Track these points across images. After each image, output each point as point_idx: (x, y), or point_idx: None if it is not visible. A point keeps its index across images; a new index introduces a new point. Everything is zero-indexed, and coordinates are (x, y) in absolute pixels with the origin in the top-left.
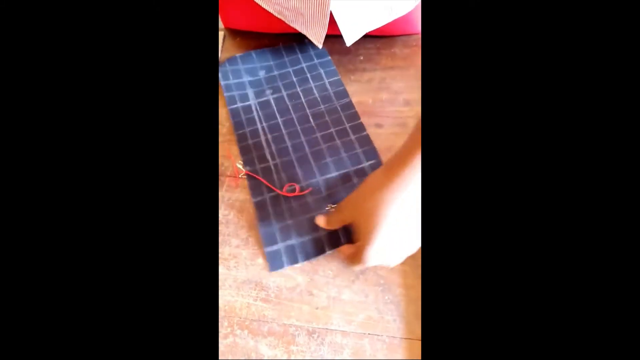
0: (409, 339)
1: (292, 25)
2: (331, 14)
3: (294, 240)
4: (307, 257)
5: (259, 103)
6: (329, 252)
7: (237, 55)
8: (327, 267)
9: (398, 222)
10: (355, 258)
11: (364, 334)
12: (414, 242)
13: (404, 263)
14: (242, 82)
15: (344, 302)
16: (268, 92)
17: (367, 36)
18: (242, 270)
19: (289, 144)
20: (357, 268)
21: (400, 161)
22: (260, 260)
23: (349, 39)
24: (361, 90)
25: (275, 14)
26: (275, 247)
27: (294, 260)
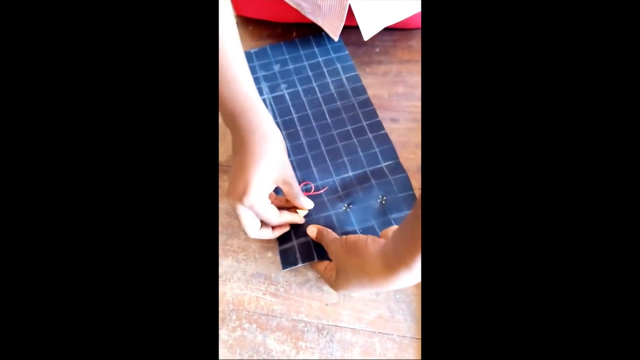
0: (420, 339)
1: (308, 16)
2: (349, 7)
3: (309, 237)
4: (322, 256)
5: (274, 98)
6: None
7: (252, 50)
8: None
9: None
10: (327, 281)
11: (374, 332)
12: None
13: None
14: (257, 77)
15: (355, 299)
16: (283, 86)
17: (383, 28)
18: (252, 263)
19: (304, 141)
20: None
21: (398, 262)
22: (270, 254)
23: (367, 33)
24: (377, 83)
25: (293, 5)
26: (289, 244)
27: (309, 258)
